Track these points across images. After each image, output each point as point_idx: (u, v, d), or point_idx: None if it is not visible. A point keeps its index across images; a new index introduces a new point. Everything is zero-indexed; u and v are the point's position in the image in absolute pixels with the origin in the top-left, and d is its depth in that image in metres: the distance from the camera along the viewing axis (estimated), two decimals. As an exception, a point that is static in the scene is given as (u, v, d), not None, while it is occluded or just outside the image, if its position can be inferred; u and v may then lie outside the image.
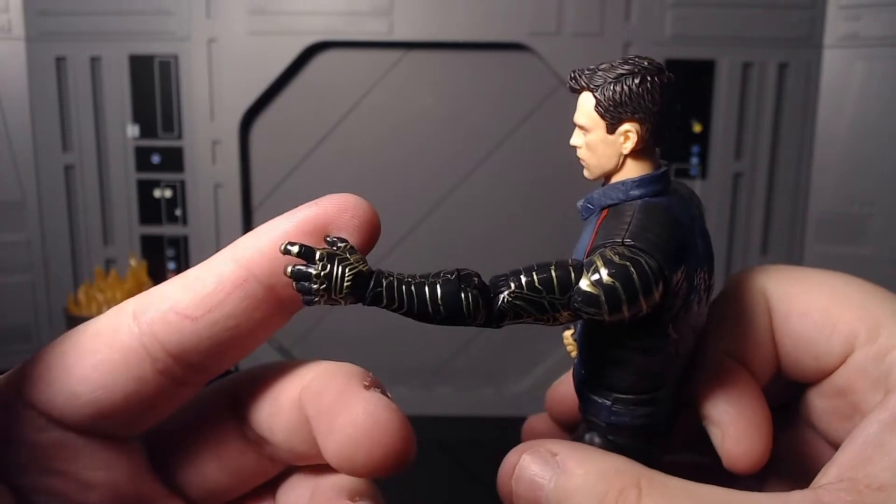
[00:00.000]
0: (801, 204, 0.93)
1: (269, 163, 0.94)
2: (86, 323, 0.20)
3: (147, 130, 0.92)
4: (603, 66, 0.21)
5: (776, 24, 0.88)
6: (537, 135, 0.93)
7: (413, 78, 0.92)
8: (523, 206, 0.95)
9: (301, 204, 0.22)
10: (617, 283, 0.19)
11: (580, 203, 0.23)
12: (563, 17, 0.88)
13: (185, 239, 0.95)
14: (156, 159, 0.93)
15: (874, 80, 0.88)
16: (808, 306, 0.23)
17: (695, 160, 0.92)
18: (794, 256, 0.94)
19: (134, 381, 0.19)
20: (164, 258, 0.95)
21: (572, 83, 0.22)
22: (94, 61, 0.91)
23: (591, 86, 0.21)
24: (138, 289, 0.91)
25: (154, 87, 0.91)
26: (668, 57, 0.89)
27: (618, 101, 0.21)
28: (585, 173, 0.23)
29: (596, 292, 0.19)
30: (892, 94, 0.87)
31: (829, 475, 0.19)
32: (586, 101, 0.22)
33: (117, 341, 0.19)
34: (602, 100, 0.21)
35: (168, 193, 0.93)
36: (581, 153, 0.22)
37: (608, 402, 0.22)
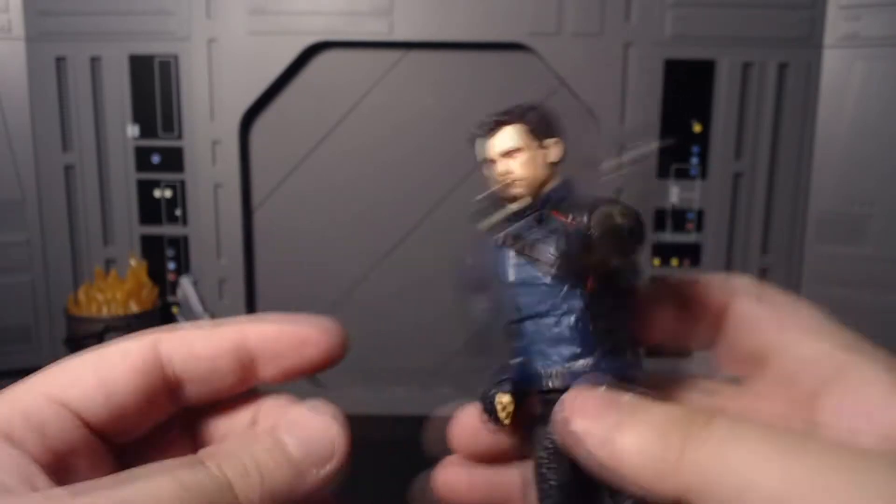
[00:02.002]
0: (801, 204, 0.93)
1: (269, 163, 0.94)
2: (113, 343, 0.23)
3: (147, 130, 0.92)
4: (511, 108, 0.26)
5: (776, 24, 0.88)
6: (537, 135, 0.93)
7: (413, 78, 0.92)
8: (523, 206, 0.95)
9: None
10: (639, 222, 0.22)
11: (499, 236, 0.25)
12: (563, 17, 0.88)
13: (185, 239, 0.95)
14: (156, 159, 0.93)
15: (874, 80, 0.88)
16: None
17: (695, 160, 0.92)
18: (794, 256, 0.94)
19: (145, 396, 0.22)
20: (164, 258, 0.95)
21: (496, 122, 0.26)
22: (94, 61, 0.91)
23: (517, 118, 0.25)
24: (138, 289, 0.91)
25: (154, 87, 0.91)
26: (668, 57, 0.89)
27: (542, 121, 0.26)
28: (520, 191, 0.25)
29: (626, 223, 0.22)
30: (892, 94, 0.87)
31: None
32: (512, 131, 0.26)
33: (142, 362, 0.23)
34: (532, 122, 0.25)
35: (168, 193, 0.93)
36: (517, 173, 0.25)
37: (618, 362, 0.24)
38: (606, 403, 0.21)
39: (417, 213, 0.95)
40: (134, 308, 0.89)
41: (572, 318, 0.24)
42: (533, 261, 0.24)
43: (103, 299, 0.88)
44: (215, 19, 0.89)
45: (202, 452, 0.21)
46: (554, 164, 0.26)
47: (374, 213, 0.95)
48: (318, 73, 0.92)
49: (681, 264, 0.94)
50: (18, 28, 0.89)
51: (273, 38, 0.89)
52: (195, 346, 0.23)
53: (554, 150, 0.26)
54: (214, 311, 0.94)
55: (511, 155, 0.26)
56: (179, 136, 0.92)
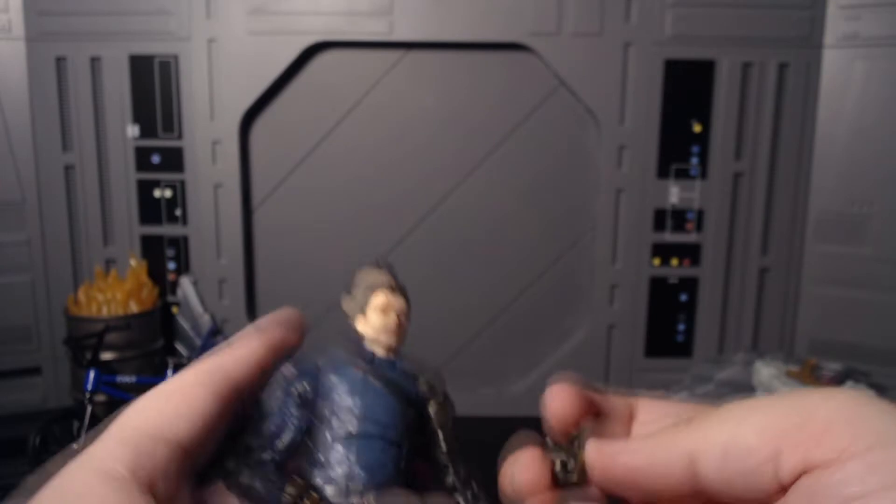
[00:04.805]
0: (801, 204, 0.93)
1: (269, 163, 0.94)
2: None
3: (147, 130, 0.92)
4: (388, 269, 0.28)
5: (776, 24, 0.88)
6: (537, 134, 0.93)
7: (413, 78, 0.92)
8: (523, 204, 0.95)
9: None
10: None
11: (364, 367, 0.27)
12: (563, 17, 0.88)
13: (185, 239, 0.95)
14: (156, 159, 0.93)
15: (874, 80, 0.88)
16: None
17: (695, 160, 0.92)
18: (794, 256, 0.94)
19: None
20: (164, 258, 0.95)
21: (398, 285, 0.28)
22: (94, 61, 0.91)
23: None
24: (138, 289, 0.91)
25: (154, 87, 0.91)
26: (668, 57, 0.89)
27: None
28: (398, 341, 0.28)
29: None
30: (892, 94, 0.87)
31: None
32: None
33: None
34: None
35: (168, 193, 0.93)
36: (404, 328, 0.28)
37: None
38: None
39: (417, 212, 0.95)
40: (134, 308, 0.89)
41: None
42: (396, 394, 0.27)
43: (103, 299, 0.88)
44: (215, 19, 0.89)
45: None
46: None
47: (374, 213, 0.95)
48: (318, 73, 0.92)
49: (680, 264, 0.94)
50: (18, 28, 0.89)
51: (273, 38, 0.89)
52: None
53: None
54: (214, 311, 0.94)
55: (406, 313, 0.29)
56: (179, 136, 0.92)
